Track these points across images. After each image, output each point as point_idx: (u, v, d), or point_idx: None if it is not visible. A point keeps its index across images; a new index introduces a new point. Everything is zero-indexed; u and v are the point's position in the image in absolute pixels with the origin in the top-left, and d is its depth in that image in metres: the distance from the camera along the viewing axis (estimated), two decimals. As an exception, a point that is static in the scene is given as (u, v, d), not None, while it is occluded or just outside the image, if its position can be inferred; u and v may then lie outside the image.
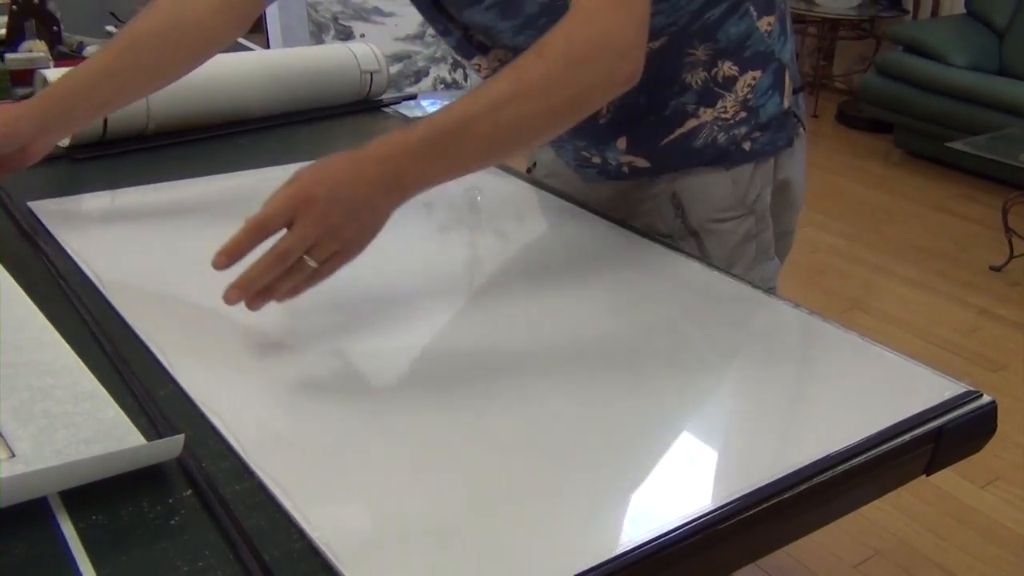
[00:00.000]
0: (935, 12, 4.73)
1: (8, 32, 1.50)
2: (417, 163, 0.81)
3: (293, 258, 0.77)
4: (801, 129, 1.17)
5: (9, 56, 1.39)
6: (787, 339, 0.92)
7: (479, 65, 1.13)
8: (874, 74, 4.36)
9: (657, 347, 0.87)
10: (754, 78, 1.08)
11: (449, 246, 1.10)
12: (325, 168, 0.80)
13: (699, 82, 1.07)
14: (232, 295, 0.78)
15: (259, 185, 1.17)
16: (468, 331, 0.89)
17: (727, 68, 1.07)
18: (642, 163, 1.13)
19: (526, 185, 1.23)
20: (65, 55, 1.47)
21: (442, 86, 3.40)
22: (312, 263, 0.78)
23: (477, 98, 0.82)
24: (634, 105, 1.07)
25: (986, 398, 0.79)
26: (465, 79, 3.33)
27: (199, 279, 0.85)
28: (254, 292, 0.78)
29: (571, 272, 1.01)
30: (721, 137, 1.09)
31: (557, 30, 0.84)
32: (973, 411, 0.78)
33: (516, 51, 0.92)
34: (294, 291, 0.80)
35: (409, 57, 3.23)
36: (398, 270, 0.97)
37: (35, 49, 1.44)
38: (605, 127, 1.11)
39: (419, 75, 3.36)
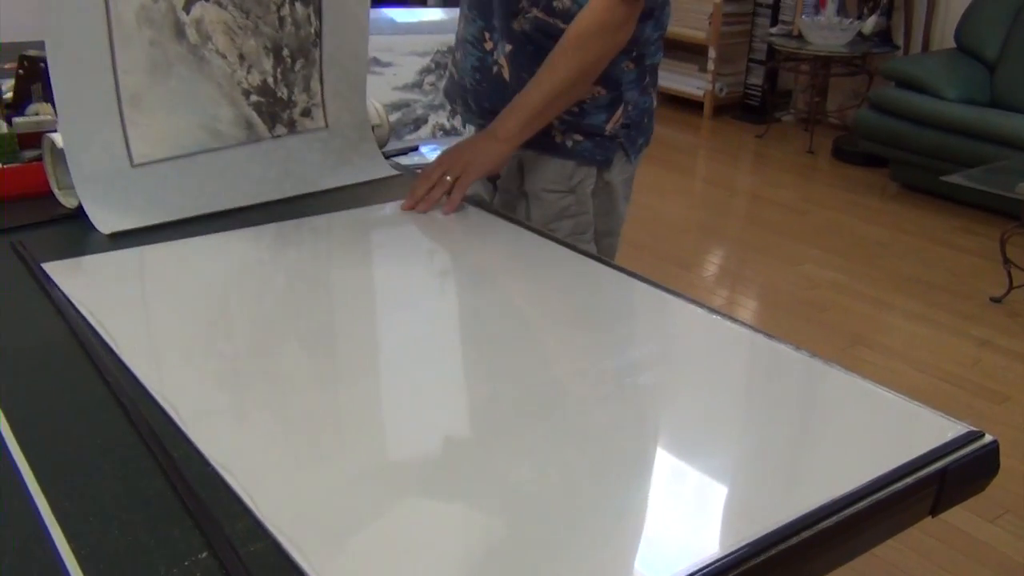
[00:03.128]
0: (926, 47, 4.78)
1: (15, 96, 1.53)
2: (513, 139, 1.36)
3: (434, 176, 1.31)
4: (628, 159, 1.48)
5: (17, 120, 1.41)
6: (788, 381, 0.93)
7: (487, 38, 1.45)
8: (868, 109, 4.41)
9: (656, 390, 0.88)
10: (598, 93, 1.40)
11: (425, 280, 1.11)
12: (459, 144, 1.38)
13: None
14: (405, 206, 1.30)
15: (268, 241, 1.20)
16: (477, 381, 0.90)
17: None
18: (497, 100, 1.45)
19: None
20: (72, 117, 1.49)
21: (441, 132, 3.44)
22: (448, 178, 1.30)
23: (540, 85, 1.33)
24: (524, 47, 1.40)
25: (988, 438, 0.80)
26: (463, 126, 3.37)
27: (212, 337, 0.87)
28: (416, 200, 1.29)
29: (556, 308, 1.02)
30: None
31: (574, 23, 1.30)
32: (975, 451, 0.79)
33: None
34: (449, 202, 1.29)
35: (408, 105, 3.27)
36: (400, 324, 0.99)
37: (41, 112, 1.47)
38: (505, 35, 1.43)
39: (418, 122, 3.40)
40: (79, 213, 1.23)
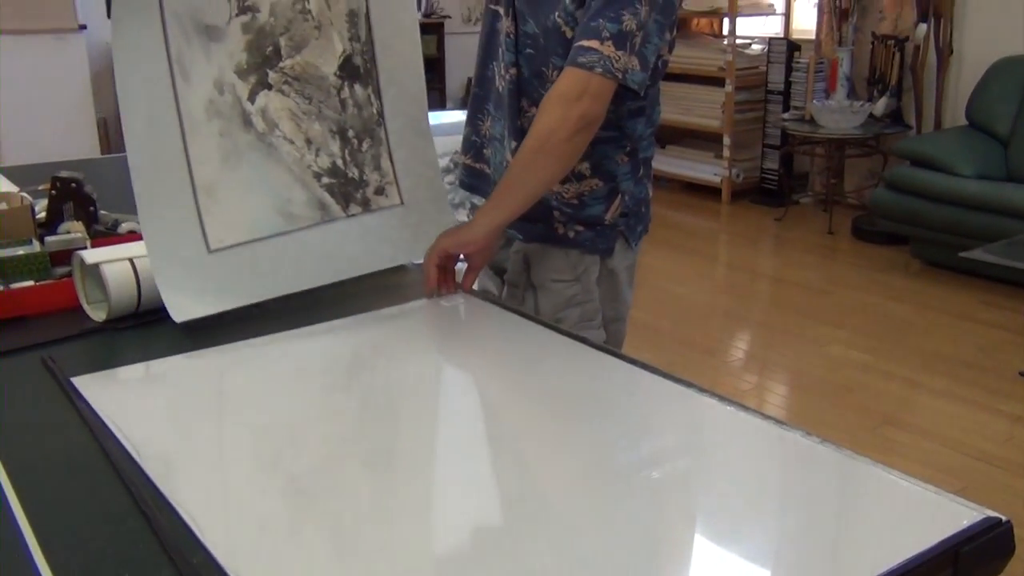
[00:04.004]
0: (938, 125, 4.84)
1: (47, 215, 1.60)
2: (489, 217, 1.37)
3: (433, 261, 1.36)
4: (629, 246, 1.53)
5: (49, 239, 1.47)
6: (803, 471, 0.94)
7: (507, 27, 1.48)
8: (884, 189, 4.44)
9: (673, 481, 0.89)
10: (595, 185, 1.48)
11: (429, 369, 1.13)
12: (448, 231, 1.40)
13: None
14: (426, 291, 1.37)
15: (287, 349, 1.23)
16: (495, 478, 0.92)
17: (584, 168, 1.46)
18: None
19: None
20: (101, 233, 1.56)
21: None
22: (460, 265, 1.38)
23: (511, 168, 1.37)
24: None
25: (1002, 519, 0.80)
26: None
27: (231, 446, 0.89)
28: (432, 287, 1.37)
29: (566, 401, 1.04)
30: (554, 203, 1.47)
31: (536, 120, 1.34)
32: (989, 534, 0.79)
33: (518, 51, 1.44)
34: (460, 286, 1.38)
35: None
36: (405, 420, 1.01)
37: (73, 230, 1.53)
38: (514, 132, 1.48)
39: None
40: (107, 326, 1.28)
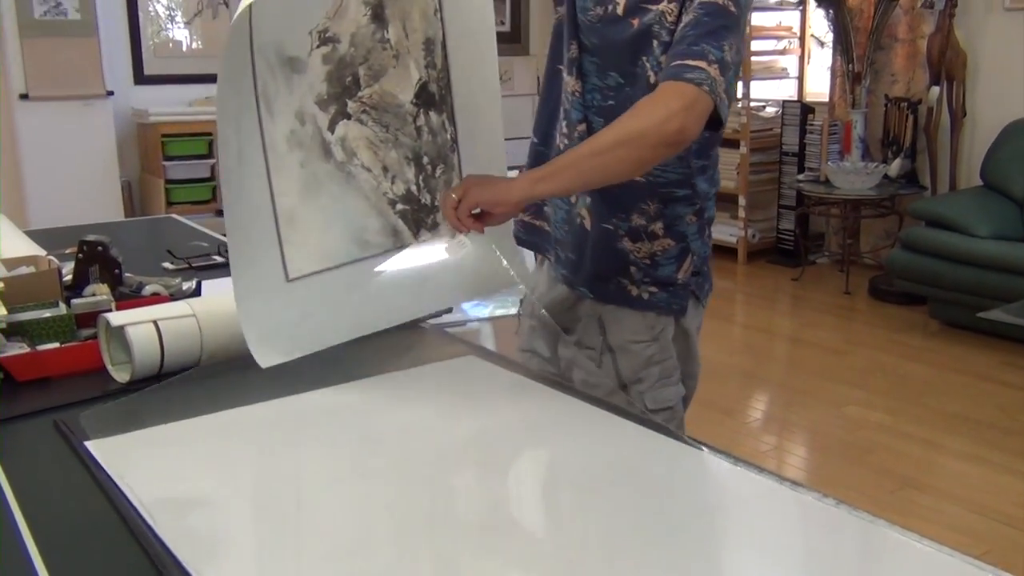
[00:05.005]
0: (953, 186, 4.86)
1: (73, 278, 1.63)
2: (533, 185, 1.32)
3: (452, 203, 1.30)
4: (699, 304, 1.55)
5: (75, 302, 1.50)
6: (820, 534, 0.94)
7: (568, 85, 1.50)
8: (901, 249, 4.45)
9: (690, 545, 0.89)
10: (668, 245, 1.49)
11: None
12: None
13: (638, 224, 1.48)
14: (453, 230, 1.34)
15: (303, 410, 1.24)
16: (495, 548, 0.92)
17: (658, 227, 1.48)
18: (570, 251, 1.53)
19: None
20: (126, 295, 1.59)
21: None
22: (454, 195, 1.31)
23: (581, 148, 1.32)
24: (598, 192, 1.46)
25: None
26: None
27: (248, 510, 0.90)
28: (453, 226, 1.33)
29: (591, 467, 1.05)
30: (624, 263, 1.48)
31: (627, 116, 1.30)
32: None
33: (588, 107, 1.45)
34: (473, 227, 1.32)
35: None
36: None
37: (98, 292, 1.56)
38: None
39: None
40: (130, 387, 1.30)
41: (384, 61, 1.39)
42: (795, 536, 0.95)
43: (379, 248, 1.40)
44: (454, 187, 1.36)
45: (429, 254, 1.43)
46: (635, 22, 1.39)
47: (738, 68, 1.36)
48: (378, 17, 1.38)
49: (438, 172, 1.45)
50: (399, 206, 1.41)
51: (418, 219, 1.43)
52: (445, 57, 1.45)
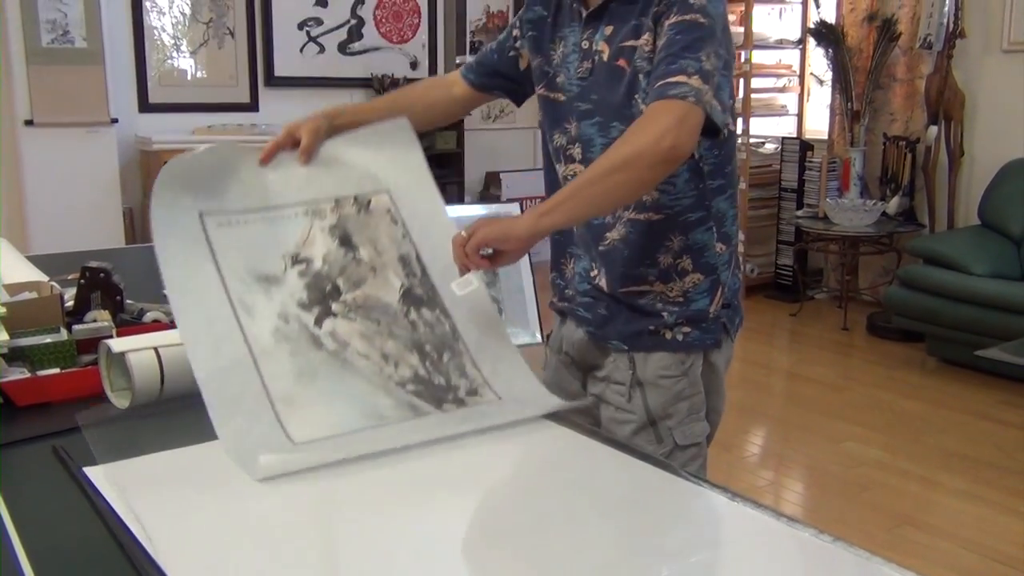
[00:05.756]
0: (951, 225, 4.88)
1: (75, 304, 1.63)
2: (539, 220, 1.33)
3: (461, 241, 1.31)
4: (729, 339, 1.55)
5: (76, 327, 1.51)
6: (817, 571, 0.94)
7: (560, 170, 1.55)
8: (898, 286, 4.47)
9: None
10: (699, 279, 1.49)
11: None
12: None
13: (665, 264, 1.49)
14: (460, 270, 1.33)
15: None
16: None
17: (686, 262, 1.49)
18: (601, 308, 1.54)
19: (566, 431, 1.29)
20: (127, 322, 1.59)
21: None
22: (487, 251, 1.32)
23: (580, 178, 1.33)
24: (620, 253, 1.49)
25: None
26: (500, 313, 3.44)
27: (250, 538, 0.90)
28: (461, 264, 1.32)
29: (587, 500, 1.05)
30: (658, 306, 1.49)
31: (621, 142, 1.31)
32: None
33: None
34: (481, 266, 1.32)
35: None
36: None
37: (99, 319, 1.57)
38: (600, 255, 1.52)
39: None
40: (130, 414, 1.30)
41: (362, 273, 1.37)
42: (789, 572, 0.95)
43: (398, 419, 1.24)
44: (464, 226, 1.34)
45: (458, 416, 1.27)
46: (623, 63, 1.42)
47: (728, 69, 1.39)
48: (347, 242, 1.38)
49: (445, 358, 1.33)
50: (410, 386, 1.29)
51: (437, 397, 1.29)
52: (423, 268, 1.41)
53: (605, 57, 1.44)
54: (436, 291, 1.39)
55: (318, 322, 1.30)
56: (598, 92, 1.46)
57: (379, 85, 6.26)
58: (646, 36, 1.39)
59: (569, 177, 1.51)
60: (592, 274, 1.55)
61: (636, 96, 1.41)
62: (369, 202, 1.43)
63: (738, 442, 3.56)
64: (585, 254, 1.57)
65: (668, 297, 1.49)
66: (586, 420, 1.48)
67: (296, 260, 1.34)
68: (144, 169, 5.61)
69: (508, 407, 1.29)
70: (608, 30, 1.44)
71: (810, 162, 5.37)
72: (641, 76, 1.40)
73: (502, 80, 1.65)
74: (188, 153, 1.34)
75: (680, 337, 1.49)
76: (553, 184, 1.58)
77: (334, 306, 1.33)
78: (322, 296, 1.33)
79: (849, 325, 4.92)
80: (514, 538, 1.00)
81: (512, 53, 1.63)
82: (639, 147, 1.28)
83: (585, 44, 1.47)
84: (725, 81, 1.38)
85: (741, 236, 5.40)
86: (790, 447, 3.51)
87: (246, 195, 1.37)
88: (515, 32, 1.62)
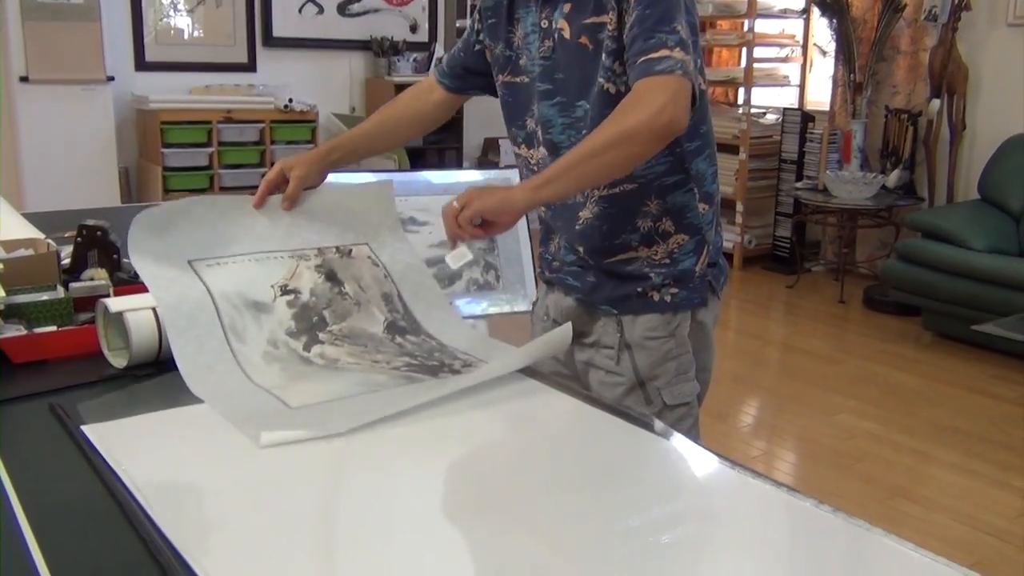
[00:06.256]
0: (950, 199, 4.87)
1: (72, 262, 1.62)
2: (534, 193, 1.33)
3: (453, 212, 1.31)
4: (716, 296, 1.57)
5: (73, 285, 1.50)
6: (815, 540, 0.94)
7: (532, 156, 1.55)
8: (896, 260, 4.46)
9: (683, 547, 0.89)
10: (683, 240, 1.51)
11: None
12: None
13: (646, 228, 1.49)
14: (451, 243, 1.34)
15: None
16: (504, 541, 0.92)
17: (667, 224, 1.49)
18: (589, 276, 1.55)
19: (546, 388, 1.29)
20: (123, 281, 1.58)
21: (475, 287, 3.52)
22: (455, 204, 1.31)
23: (576, 152, 1.32)
24: (598, 229, 1.50)
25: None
26: (497, 280, 3.45)
27: (245, 497, 0.90)
28: (452, 236, 1.33)
29: (584, 467, 1.05)
30: (645, 270, 1.50)
31: (617, 116, 1.31)
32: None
33: (559, 148, 1.47)
34: (474, 236, 1.32)
35: (442, 261, 3.37)
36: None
37: (96, 277, 1.56)
38: (578, 235, 1.53)
39: (452, 278, 3.48)
40: (126, 373, 1.30)
41: (347, 307, 1.43)
42: (790, 541, 0.95)
43: (395, 385, 1.28)
44: (455, 196, 1.34)
45: (457, 380, 1.29)
46: (585, 40, 1.41)
47: (695, 30, 1.38)
48: (332, 278, 1.45)
49: (435, 355, 1.39)
50: (405, 369, 1.33)
51: (432, 369, 1.34)
52: (405, 305, 1.48)
53: (567, 35, 1.43)
54: (419, 324, 1.46)
55: (307, 348, 1.35)
56: (562, 71, 1.45)
57: (378, 48, 6.20)
58: (610, 14, 1.38)
59: (542, 161, 1.51)
60: (577, 247, 1.56)
61: (596, 72, 1.40)
62: (351, 251, 1.51)
63: (732, 412, 3.57)
64: (565, 233, 1.58)
65: (654, 260, 1.50)
66: (576, 385, 1.48)
67: (285, 290, 1.40)
68: (140, 128, 5.57)
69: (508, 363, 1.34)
70: (567, 7, 1.42)
71: (811, 134, 5.34)
72: (604, 54, 1.39)
73: (474, 78, 1.66)
74: (156, 207, 1.42)
75: (668, 298, 1.50)
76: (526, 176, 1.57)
77: (321, 335, 1.38)
78: (309, 326, 1.39)
79: (845, 298, 4.92)
80: (508, 503, 1.00)
81: (477, 47, 1.61)
82: (637, 123, 1.28)
83: (544, 23, 1.46)
84: (695, 44, 1.37)
85: (740, 207, 5.40)
86: (784, 419, 3.52)
87: (232, 244, 1.43)
88: (476, 26, 1.61)
